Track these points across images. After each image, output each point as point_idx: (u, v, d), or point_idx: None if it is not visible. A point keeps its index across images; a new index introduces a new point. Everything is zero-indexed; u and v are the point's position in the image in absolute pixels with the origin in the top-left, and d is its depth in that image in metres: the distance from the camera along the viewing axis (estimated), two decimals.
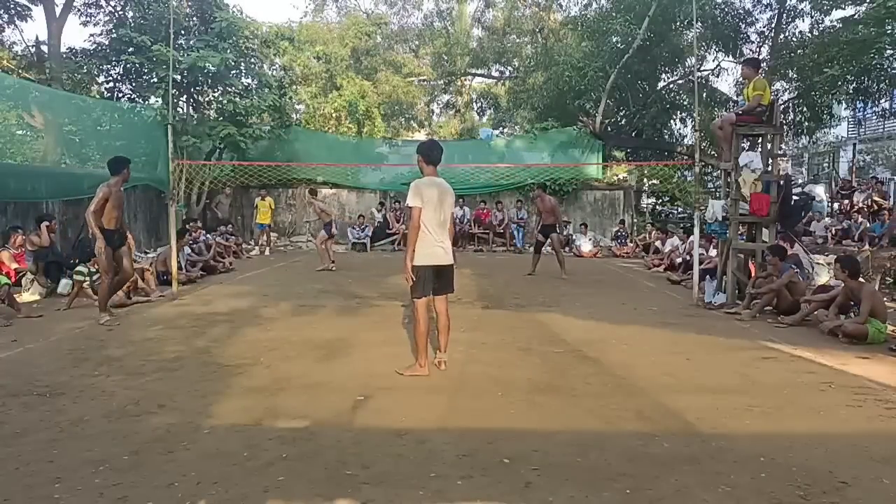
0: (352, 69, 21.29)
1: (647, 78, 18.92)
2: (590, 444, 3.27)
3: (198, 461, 3.02)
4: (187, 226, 10.69)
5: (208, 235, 11.77)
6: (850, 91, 15.81)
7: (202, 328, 6.16)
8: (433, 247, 4.43)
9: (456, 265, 4.75)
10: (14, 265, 8.21)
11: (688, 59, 18.21)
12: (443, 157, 4.64)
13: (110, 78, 15.41)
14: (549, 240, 10.64)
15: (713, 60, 19.64)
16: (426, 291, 4.47)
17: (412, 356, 5.07)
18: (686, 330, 6.26)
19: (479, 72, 26.48)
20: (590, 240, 14.94)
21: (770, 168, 7.67)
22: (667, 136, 20.75)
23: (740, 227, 8.01)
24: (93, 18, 15.83)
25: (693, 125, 15.45)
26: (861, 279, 6.50)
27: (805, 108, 17.31)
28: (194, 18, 14.99)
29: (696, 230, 8.22)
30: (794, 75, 16.73)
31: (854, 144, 22.77)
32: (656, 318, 6.88)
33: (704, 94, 18.82)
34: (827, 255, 9.51)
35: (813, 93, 15.87)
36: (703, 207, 8.44)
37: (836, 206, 15.40)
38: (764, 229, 7.82)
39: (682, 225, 13.89)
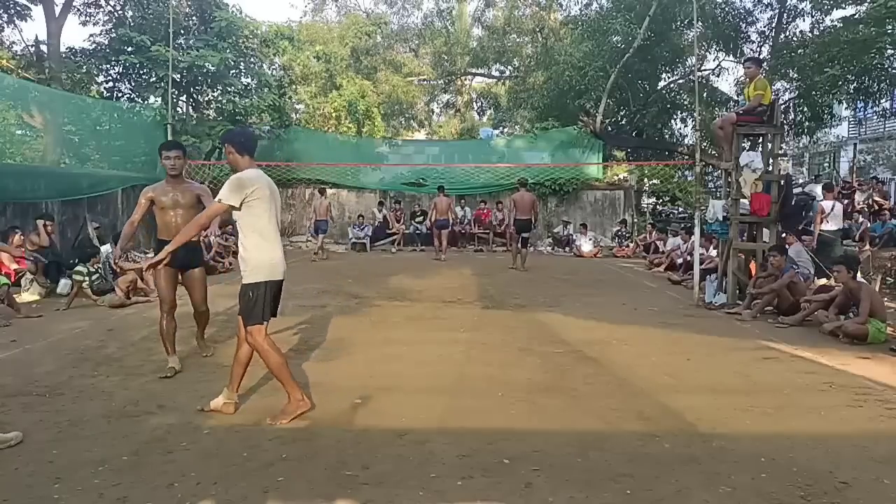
0: (351, 69, 21.29)
1: (647, 77, 18.91)
2: (590, 444, 3.27)
3: (198, 461, 3.02)
4: None
5: (209, 236, 11.75)
6: (851, 91, 15.78)
7: None
8: (273, 256, 3.56)
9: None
10: (14, 265, 8.21)
11: (688, 59, 18.21)
12: (255, 146, 3.72)
13: (110, 78, 15.42)
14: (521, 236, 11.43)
15: (714, 60, 19.66)
16: (265, 316, 3.54)
17: (412, 357, 5.08)
18: (686, 330, 6.26)
19: (479, 71, 26.48)
20: (590, 240, 14.93)
21: (771, 168, 7.67)
22: (667, 136, 20.74)
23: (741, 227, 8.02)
24: (92, 18, 15.84)
25: (693, 125, 15.47)
26: (860, 278, 6.50)
27: (806, 108, 17.29)
28: (194, 18, 15.01)
29: (697, 230, 8.23)
30: (795, 75, 16.71)
31: (855, 144, 22.78)
32: (657, 319, 6.87)
33: (705, 94, 18.81)
34: None
35: (813, 92, 15.84)
36: (703, 207, 8.44)
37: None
38: (764, 229, 7.82)
39: (683, 225, 13.89)
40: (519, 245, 11.32)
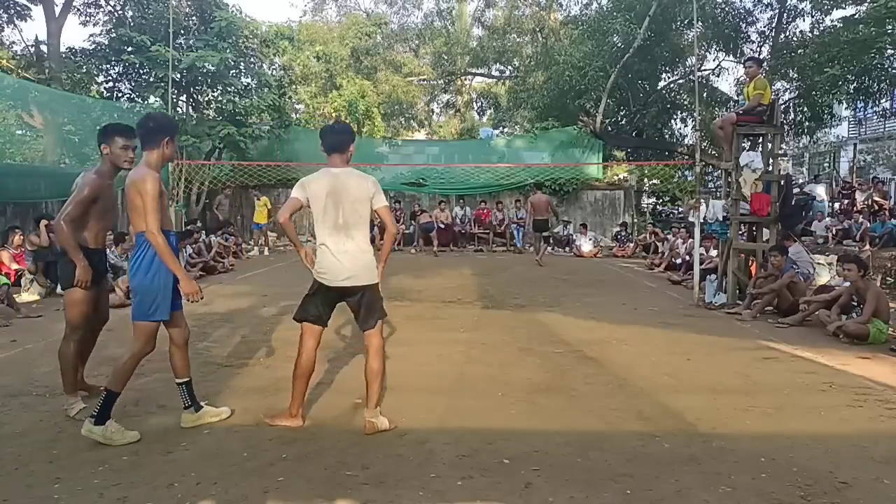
0: (351, 69, 21.29)
1: (647, 77, 18.91)
2: (590, 444, 3.27)
3: (197, 461, 3.02)
4: (189, 227, 10.70)
5: (209, 237, 11.77)
6: (851, 91, 15.79)
7: (202, 328, 6.15)
8: (323, 258, 3.38)
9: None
10: (14, 265, 8.21)
11: (688, 59, 18.21)
12: (341, 141, 3.45)
13: (110, 77, 15.41)
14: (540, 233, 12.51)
15: (714, 60, 19.67)
16: (307, 313, 3.46)
17: (412, 357, 5.08)
18: (686, 330, 6.26)
19: (479, 71, 26.48)
20: (590, 240, 14.93)
21: (771, 168, 7.67)
22: (667, 136, 20.75)
23: (741, 227, 8.01)
24: (92, 18, 15.85)
25: (693, 125, 15.46)
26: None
27: (806, 108, 17.30)
28: (194, 18, 14.99)
29: (697, 230, 8.23)
30: (795, 75, 16.72)
31: (855, 144, 22.78)
32: (657, 318, 6.87)
33: (705, 94, 18.82)
34: (827, 255, 9.51)
35: (813, 92, 15.85)
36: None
37: (836, 205, 15.41)
38: (764, 229, 7.83)
39: (683, 225, 13.92)
40: (541, 243, 12.47)
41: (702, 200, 14.39)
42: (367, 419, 3.39)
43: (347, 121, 20.04)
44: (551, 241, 15.87)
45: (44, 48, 15.27)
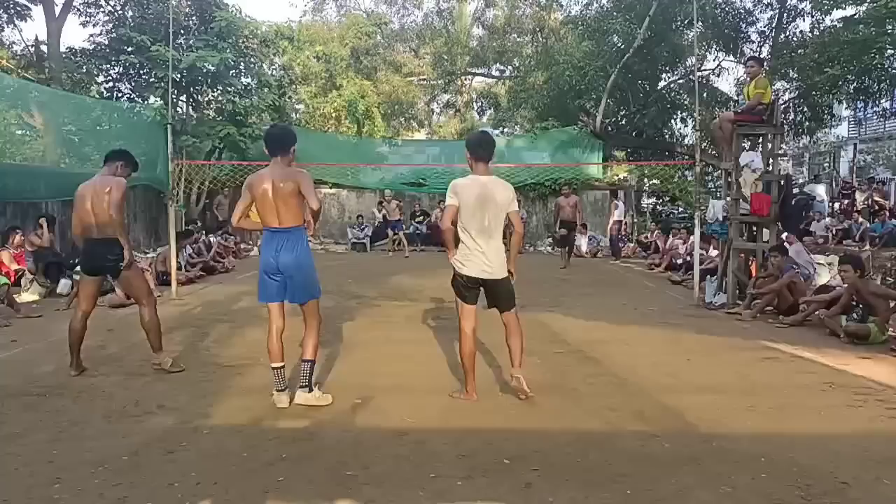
0: (352, 69, 21.28)
1: (647, 77, 18.89)
2: (590, 444, 3.27)
3: (198, 461, 3.02)
4: (189, 227, 10.70)
5: (209, 236, 11.78)
6: (851, 91, 15.78)
7: (202, 328, 6.15)
8: (467, 256, 3.91)
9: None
10: (14, 265, 8.21)
11: (688, 59, 18.18)
12: (488, 152, 3.97)
13: (110, 78, 15.41)
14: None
15: (714, 60, 19.63)
16: (464, 299, 4.01)
17: (412, 356, 5.08)
18: (687, 330, 6.26)
19: (479, 71, 26.45)
20: (590, 240, 14.92)
21: (771, 168, 7.67)
22: (667, 136, 20.71)
23: (741, 227, 8.01)
24: (92, 18, 15.82)
25: (693, 125, 15.44)
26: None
27: (806, 108, 17.29)
28: (194, 18, 14.99)
29: (697, 230, 8.23)
30: (795, 75, 16.70)
31: (855, 144, 22.78)
32: (657, 319, 6.87)
33: (705, 94, 18.79)
34: (827, 255, 9.50)
35: (813, 92, 15.84)
36: (703, 207, 8.44)
37: (836, 206, 15.41)
38: (765, 229, 7.82)
39: (684, 225, 13.93)
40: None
41: (617, 202, 15.25)
42: (513, 374, 3.98)
43: (347, 121, 20.04)
44: (550, 241, 15.93)
45: (44, 48, 15.27)
